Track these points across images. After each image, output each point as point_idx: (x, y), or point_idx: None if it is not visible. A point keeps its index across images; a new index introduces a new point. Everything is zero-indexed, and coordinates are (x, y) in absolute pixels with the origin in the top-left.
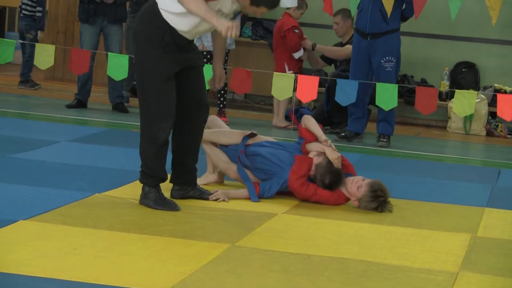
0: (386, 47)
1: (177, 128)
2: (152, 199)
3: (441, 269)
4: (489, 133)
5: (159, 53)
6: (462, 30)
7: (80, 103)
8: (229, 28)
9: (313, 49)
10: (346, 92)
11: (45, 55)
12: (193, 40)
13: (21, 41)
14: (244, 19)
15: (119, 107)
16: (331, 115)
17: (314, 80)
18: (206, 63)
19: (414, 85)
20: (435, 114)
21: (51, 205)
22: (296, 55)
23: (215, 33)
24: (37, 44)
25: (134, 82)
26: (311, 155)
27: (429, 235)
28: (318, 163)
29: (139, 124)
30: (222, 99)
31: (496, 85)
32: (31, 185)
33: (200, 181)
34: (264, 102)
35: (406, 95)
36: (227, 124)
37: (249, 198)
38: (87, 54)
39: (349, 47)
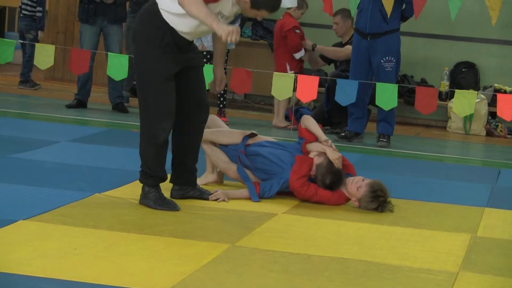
0: (386, 47)
1: (177, 128)
2: (152, 199)
3: (441, 269)
4: (489, 133)
5: (159, 53)
6: (462, 30)
7: (80, 103)
8: (229, 33)
9: (313, 49)
10: (346, 92)
11: (45, 55)
12: (193, 41)
13: (21, 41)
14: (244, 19)
15: (119, 107)
16: (331, 115)
17: (314, 80)
18: (206, 63)
19: (414, 85)
20: (435, 114)
21: (51, 205)
22: (297, 55)
23: (215, 36)
24: (37, 44)
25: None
26: (311, 155)
27: (429, 235)
28: (319, 163)
29: (139, 124)
30: (222, 99)
31: (496, 85)
32: (31, 185)
33: (199, 181)
34: (264, 102)
35: (406, 95)
36: (227, 124)
37: (249, 198)
38: (87, 54)
39: (349, 47)
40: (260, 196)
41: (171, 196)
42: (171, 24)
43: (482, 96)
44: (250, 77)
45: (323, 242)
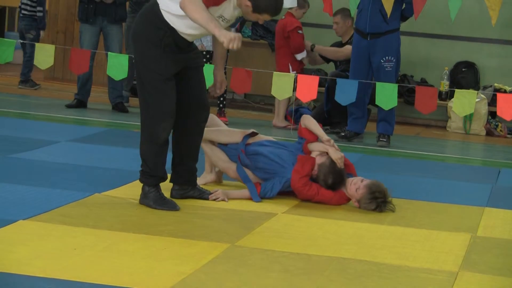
0: (386, 47)
1: (177, 128)
2: (152, 198)
3: (441, 269)
4: (489, 133)
5: (159, 53)
6: (462, 30)
7: (80, 103)
8: (231, 40)
9: (312, 49)
10: (346, 92)
11: (45, 55)
12: (193, 41)
13: (21, 41)
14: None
15: (119, 107)
16: (331, 115)
17: (314, 80)
18: (206, 63)
19: (414, 85)
20: (435, 114)
21: (51, 205)
22: (299, 56)
23: (216, 39)
24: (37, 44)
25: (134, 82)
26: (313, 155)
27: (429, 235)
28: (321, 163)
29: (139, 124)
30: (222, 99)
31: (496, 84)
32: (31, 185)
33: (198, 181)
34: (264, 102)
35: (406, 95)
36: (227, 124)
37: (249, 198)
38: (87, 54)
39: (348, 47)
40: (261, 196)
41: (171, 196)
42: (172, 25)
43: (482, 95)
44: (250, 77)
45: (323, 242)
